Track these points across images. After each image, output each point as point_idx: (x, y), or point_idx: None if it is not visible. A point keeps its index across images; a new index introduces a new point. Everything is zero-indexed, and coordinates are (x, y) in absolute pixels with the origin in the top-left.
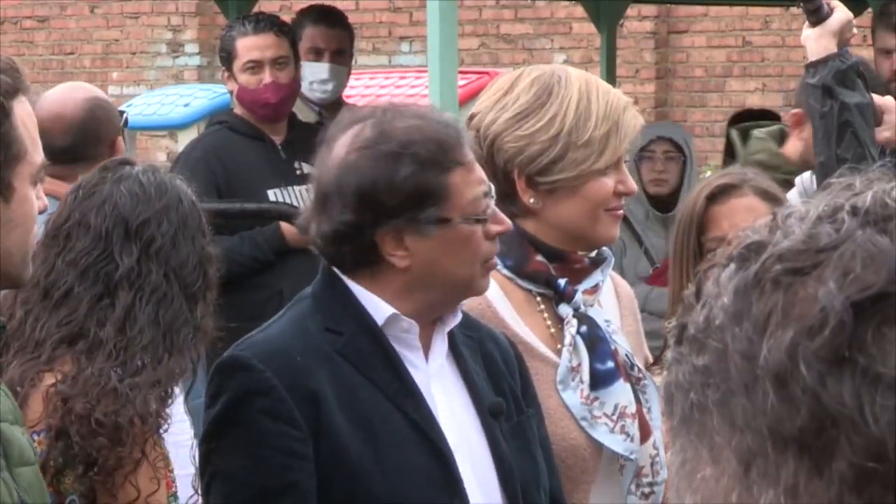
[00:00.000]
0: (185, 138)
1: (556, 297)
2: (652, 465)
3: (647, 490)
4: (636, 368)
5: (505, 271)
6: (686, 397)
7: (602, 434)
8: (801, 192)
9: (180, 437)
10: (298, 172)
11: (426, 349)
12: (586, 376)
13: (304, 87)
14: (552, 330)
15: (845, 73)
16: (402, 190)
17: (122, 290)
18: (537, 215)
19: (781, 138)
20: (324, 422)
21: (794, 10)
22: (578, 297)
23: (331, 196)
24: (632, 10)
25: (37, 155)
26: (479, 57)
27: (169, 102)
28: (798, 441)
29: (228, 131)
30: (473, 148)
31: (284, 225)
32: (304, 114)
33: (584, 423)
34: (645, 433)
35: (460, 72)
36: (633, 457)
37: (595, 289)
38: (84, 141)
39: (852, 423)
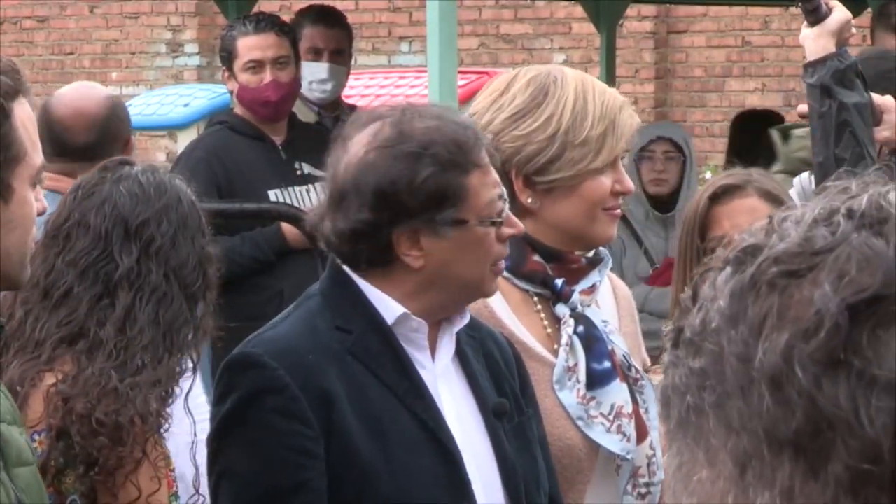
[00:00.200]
0: (185, 138)
1: (553, 298)
2: (648, 465)
3: (643, 490)
4: (633, 369)
5: None
6: (682, 400)
7: (598, 434)
8: (800, 193)
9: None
10: (299, 173)
11: (432, 349)
12: (583, 376)
13: (304, 87)
14: (549, 330)
15: (844, 72)
16: (422, 190)
17: (122, 290)
18: (535, 215)
19: None
20: (335, 421)
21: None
22: (575, 297)
23: (348, 194)
24: (631, 10)
25: (36, 156)
26: (479, 57)
27: (168, 102)
28: (794, 443)
29: (229, 131)
30: (489, 150)
31: (285, 225)
32: (304, 114)
33: (580, 423)
34: (642, 433)
35: (460, 72)
36: (629, 457)
37: (592, 289)
38: (105, 138)
39: (848, 425)
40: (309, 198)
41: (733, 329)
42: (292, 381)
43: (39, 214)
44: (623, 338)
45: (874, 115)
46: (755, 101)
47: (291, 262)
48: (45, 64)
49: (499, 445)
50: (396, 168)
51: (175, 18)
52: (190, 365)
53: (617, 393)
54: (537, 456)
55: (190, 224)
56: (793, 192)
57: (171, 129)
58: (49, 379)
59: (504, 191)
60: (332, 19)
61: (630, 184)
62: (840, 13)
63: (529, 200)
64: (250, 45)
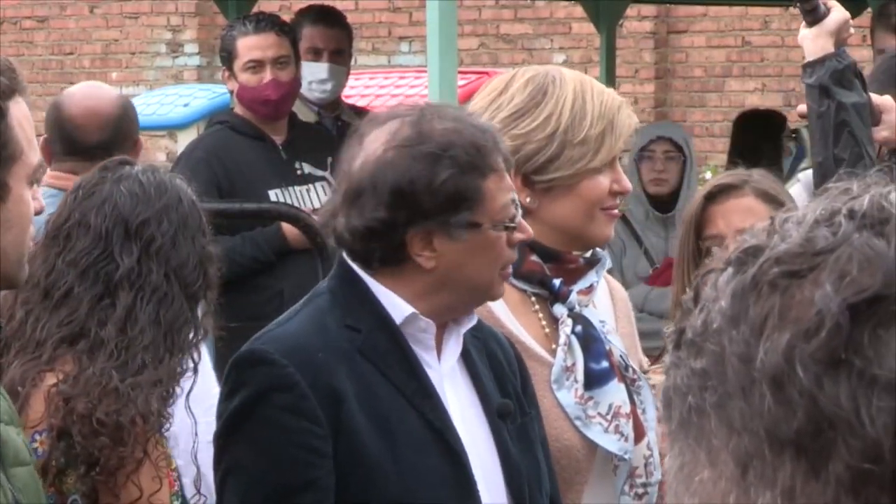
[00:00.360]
0: (185, 138)
1: (550, 298)
2: (646, 465)
3: (640, 490)
4: (631, 369)
5: None
6: (684, 401)
7: (596, 434)
8: (807, 187)
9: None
10: (299, 172)
11: (438, 349)
12: (581, 376)
13: (303, 87)
14: (547, 330)
15: (842, 72)
16: (440, 192)
17: (123, 290)
18: (533, 215)
19: None
20: (344, 420)
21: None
22: (573, 297)
23: (364, 192)
24: (631, 10)
25: (33, 155)
26: (479, 57)
27: (168, 102)
28: (795, 443)
29: (229, 131)
30: (504, 154)
31: (285, 225)
32: (304, 114)
33: (578, 423)
34: (639, 434)
35: (460, 72)
36: (627, 457)
37: (590, 289)
38: (117, 137)
39: (849, 425)
40: (309, 198)
41: (735, 329)
42: (302, 379)
43: (37, 213)
44: (620, 339)
45: (873, 115)
46: (755, 101)
47: (292, 262)
48: (45, 64)
49: (502, 446)
50: (415, 168)
51: (175, 18)
52: (191, 365)
53: (615, 393)
54: (539, 456)
55: (190, 224)
56: (799, 188)
57: (171, 129)
58: (50, 379)
59: (517, 196)
60: (331, 19)
61: (628, 183)
62: (838, 13)
63: (528, 200)
64: (250, 45)
